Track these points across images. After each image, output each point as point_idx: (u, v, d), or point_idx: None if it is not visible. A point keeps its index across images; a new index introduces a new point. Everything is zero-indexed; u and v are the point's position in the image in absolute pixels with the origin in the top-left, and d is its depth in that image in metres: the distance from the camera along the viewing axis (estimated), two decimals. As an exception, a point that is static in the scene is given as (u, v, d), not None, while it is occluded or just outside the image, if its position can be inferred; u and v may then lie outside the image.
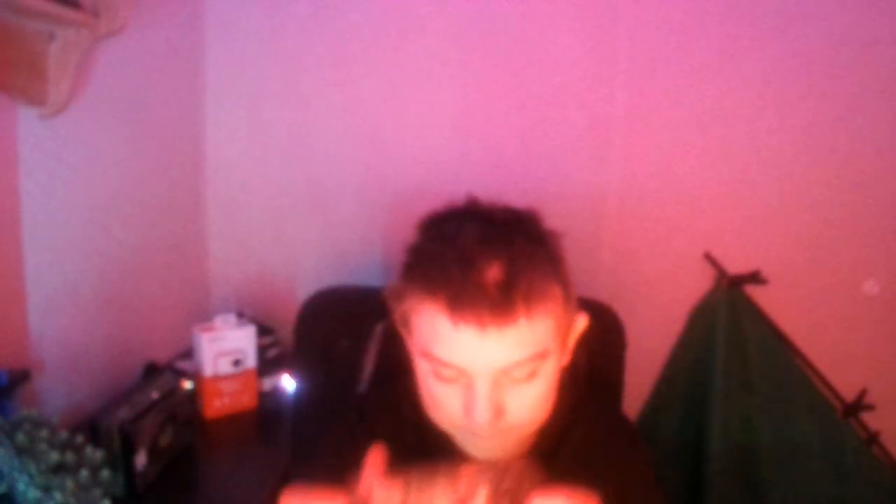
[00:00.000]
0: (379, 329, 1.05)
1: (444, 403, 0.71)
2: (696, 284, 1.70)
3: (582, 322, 0.77)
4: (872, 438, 1.65)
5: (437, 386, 0.70)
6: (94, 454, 0.99)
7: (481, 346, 0.65)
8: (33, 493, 0.86)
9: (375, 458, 0.55)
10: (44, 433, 0.94)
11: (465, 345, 0.65)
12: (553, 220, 1.74)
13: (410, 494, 0.51)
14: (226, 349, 1.42)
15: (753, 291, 1.64)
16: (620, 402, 1.11)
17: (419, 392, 0.75)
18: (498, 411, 0.67)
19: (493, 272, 0.65)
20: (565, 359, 0.76)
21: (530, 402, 0.70)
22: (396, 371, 0.84)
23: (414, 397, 0.76)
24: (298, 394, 1.16)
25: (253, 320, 1.49)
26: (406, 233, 1.88)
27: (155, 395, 1.18)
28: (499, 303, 0.64)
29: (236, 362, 1.43)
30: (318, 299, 1.16)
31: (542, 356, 0.68)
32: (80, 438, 0.99)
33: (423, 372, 0.72)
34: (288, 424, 1.43)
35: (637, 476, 0.79)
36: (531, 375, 0.68)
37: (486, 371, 0.66)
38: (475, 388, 0.66)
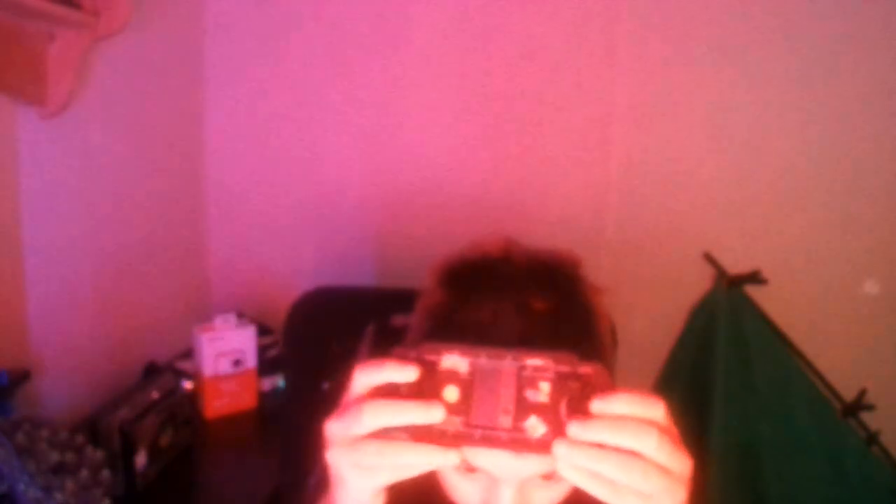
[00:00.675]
0: (370, 329, 1.05)
1: (462, 495, 0.63)
2: (695, 284, 1.70)
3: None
4: (872, 438, 1.65)
5: (457, 477, 0.62)
6: (95, 454, 0.99)
7: (511, 457, 0.55)
8: (34, 493, 0.86)
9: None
10: (44, 433, 0.94)
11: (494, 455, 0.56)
12: (551, 220, 1.75)
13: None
14: (226, 349, 1.42)
15: (753, 291, 1.64)
16: None
17: None
18: None
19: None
20: None
21: (557, 498, 0.63)
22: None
23: None
24: (288, 394, 1.16)
25: (253, 320, 1.49)
26: (406, 233, 1.88)
27: (155, 395, 1.18)
28: None
29: (236, 362, 1.43)
30: (307, 300, 1.15)
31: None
32: (80, 438, 1.00)
33: None
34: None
35: None
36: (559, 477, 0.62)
37: (514, 478, 0.58)
38: (498, 495, 0.58)
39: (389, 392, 0.49)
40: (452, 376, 0.48)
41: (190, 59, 1.70)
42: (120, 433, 1.07)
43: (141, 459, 1.10)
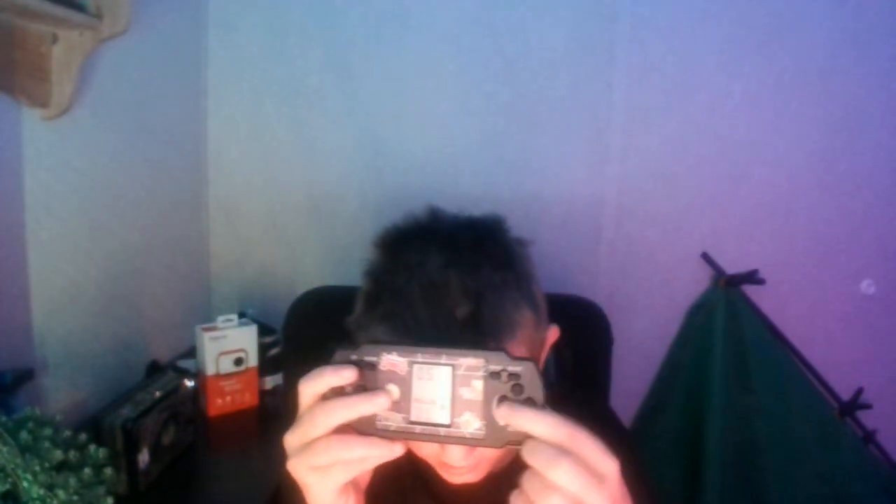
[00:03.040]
0: None
1: (420, 445, 0.67)
2: (693, 284, 1.71)
3: (553, 334, 0.75)
4: (869, 437, 1.66)
5: None
6: (97, 452, 0.99)
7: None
8: (36, 491, 0.87)
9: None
10: (47, 431, 0.95)
11: None
12: (551, 220, 1.75)
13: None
14: (228, 348, 1.42)
15: (751, 291, 1.65)
16: (607, 397, 1.13)
17: None
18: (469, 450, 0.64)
19: (461, 309, 0.62)
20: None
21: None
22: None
23: None
24: (287, 393, 1.16)
25: (254, 320, 1.50)
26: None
27: (157, 393, 1.18)
28: (469, 339, 0.61)
29: (238, 361, 1.44)
30: (307, 299, 1.16)
31: None
32: (83, 437, 1.00)
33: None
34: (289, 423, 1.45)
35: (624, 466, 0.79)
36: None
37: None
38: (449, 449, 0.62)
39: (336, 395, 0.53)
40: (392, 376, 0.52)
41: (192, 60, 1.71)
42: (123, 432, 1.08)
43: (143, 458, 1.11)
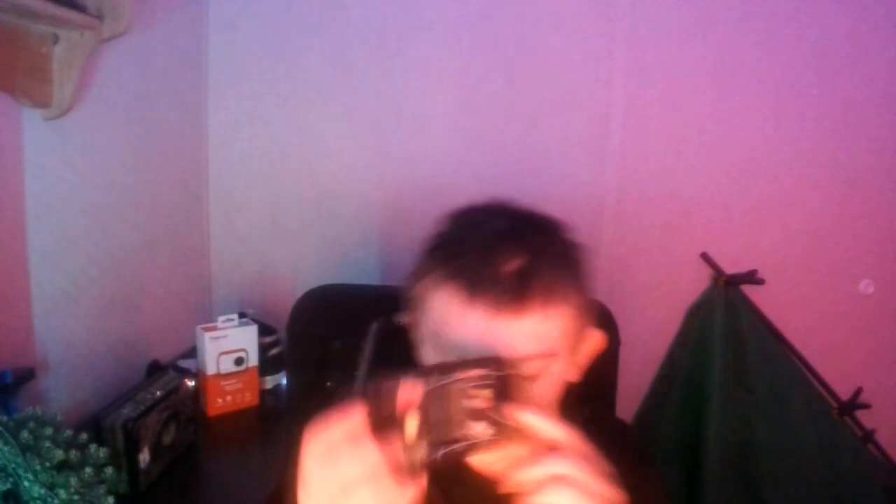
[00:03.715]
0: (374, 328, 1.05)
1: None
2: (693, 284, 1.71)
3: (596, 338, 0.76)
4: (868, 436, 1.66)
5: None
6: (98, 452, 0.99)
7: (491, 332, 0.64)
8: (37, 491, 0.87)
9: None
10: (48, 431, 0.95)
11: (475, 328, 0.64)
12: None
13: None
14: (228, 348, 1.43)
15: (750, 291, 1.65)
16: (614, 398, 1.12)
17: None
18: None
19: (515, 262, 0.65)
20: (574, 374, 0.74)
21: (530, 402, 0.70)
22: (391, 370, 0.84)
23: None
24: (292, 392, 1.16)
25: (255, 320, 1.50)
26: (406, 232, 1.89)
27: (158, 393, 1.19)
28: (515, 292, 0.63)
29: (238, 361, 1.44)
30: (310, 298, 1.16)
31: (549, 356, 0.67)
32: (83, 436, 1.00)
33: (429, 361, 0.71)
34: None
35: (636, 479, 0.80)
36: (535, 376, 0.67)
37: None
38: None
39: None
40: (410, 405, 0.54)
41: (193, 60, 1.71)
42: (123, 431, 1.08)
43: (144, 457, 1.11)
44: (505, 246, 0.66)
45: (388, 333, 1.02)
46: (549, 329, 0.66)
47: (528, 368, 0.66)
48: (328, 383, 1.07)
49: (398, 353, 0.79)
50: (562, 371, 0.71)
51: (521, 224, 0.70)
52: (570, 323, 0.68)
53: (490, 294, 0.63)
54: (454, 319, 0.66)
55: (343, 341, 1.08)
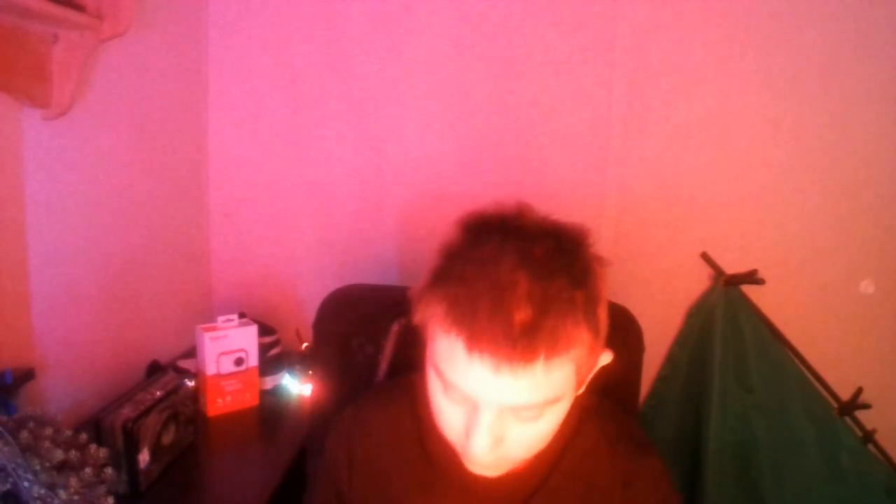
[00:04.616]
0: (395, 327, 1.06)
1: (447, 419, 0.70)
2: (693, 284, 1.71)
3: (606, 358, 0.74)
4: (868, 437, 1.66)
5: (444, 401, 0.70)
6: (98, 452, 0.99)
7: (493, 383, 0.63)
8: (37, 491, 0.87)
9: None
10: (48, 431, 0.95)
11: (477, 377, 0.63)
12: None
13: None
14: (228, 348, 1.43)
15: (750, 291, 1.65)
16: (637, 404, 1.11)
17: (427, 394, 0.74)
18: (496, 443, 0.66)
19: (522, 314, 0.61)
20: (580, 391, 0.74)
21: (531, 440, 0.69)
22: (410, 369, 0.85)
23: (422, 398, 0.77)
24: (316, 389, 1.16)
25: (255, 320, 1.50)
26: (406, 233, 1.89)
27: (158, 393, 1.19)
28: (520, 347, 0.61)
29: (238, 361, 1.44)
30: (337, 296, 1.16)
31: (553, 401, 0.67)
32: (83, 436, 1.00)
33: (433, 382, 0.71)
34: (289, 422, 1.45)
35: (647, 486, 0.80)
36: (538, 416, 0.67)
37: (493, 405, 0.65)
38: (478, 417, 0.65)
39: None
40: None
41: (193, 60, 1.71)
42: (123, 431, 1.08)
43: (144, 457, 1.11)
44: (514, 293, 0.62)
45: (408, 333, 1.03)
46: (554, 378, 0.65)
47: (530, 413, 0.66)
48: (358, 338, 1.08)
49: (417, 354, 0.78)
50: (566, 405, 0.70)
51: (533, 261, 0.65)
52: (580, 364, 0.67)
53: (493, 347, 0.61)
54: (456, 363, 0.65)
55: (367, 339, 1.09)
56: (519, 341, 0.61)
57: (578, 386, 0.71)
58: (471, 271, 0.65)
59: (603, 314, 0.69)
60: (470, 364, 0.63)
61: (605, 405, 0.81)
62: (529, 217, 0.70)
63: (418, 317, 0.70)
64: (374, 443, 0.84)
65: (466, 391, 0.65)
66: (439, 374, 0.68)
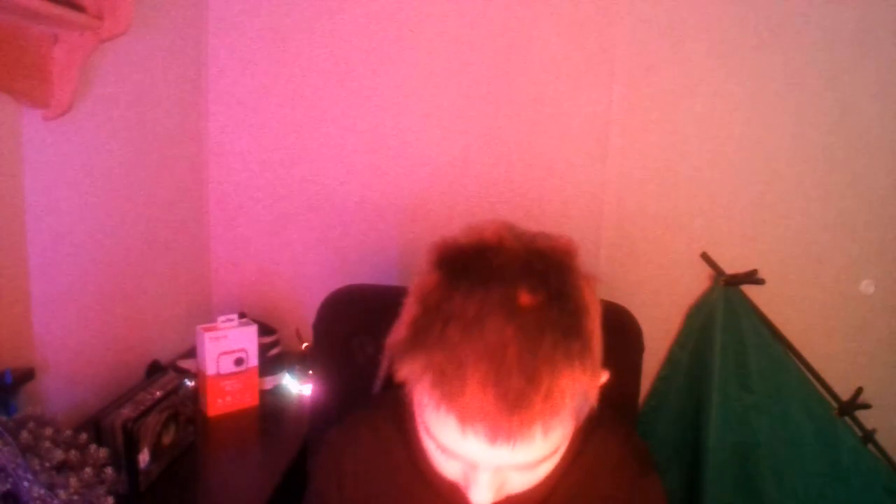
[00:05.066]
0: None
1: (443, 467, 0.69)
2: (693, 284, 1.71)
3: (602, 379, 0.68)
4: (868, 437, 1.66)
5: (439, 454, 0.67)
6: (98, 452, 1.00)
7: (490, 452, 0.60)
8: (37, 491, 0.87)
9: None
10: (48, 431, 0.95)
11: (472, 448, 0.61)
12: (551, 220, 1.75)
13: None
14: (228, 348, 1.43)
15: (750, 291, 1.65)
16: (637, 405, 1.11)
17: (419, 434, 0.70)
18: (497, 492, 0.65)
19: (515, 382, 0.57)
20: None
21: (533, 480, 0.68)
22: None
23: (409, 416, 0.73)
24: (316, 390, 1.16)
25: (255, 320, 1.50)
26: (406, 233, 1.88)
27: (158, 393, 1.19)
28: (516, 419, 0.57)
29: (238, 361, 1.44)
30: (337, 296, 1.15)
31: (553, 454, 0.65)
32: (83, 436, 1.00)
33: (426, 439, 0.68)
34: (289, 422, 1.45)
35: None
36: (540, 464, 0.65)
37: (492, 467, 0.63)
38: (477, 477, 0.63)
39: None
40: None
41: (193, 61, 1.71)
42: (123, 431, 1.08)
43: (144, 457, 1.11)
44: (498, 366, 0.57)
45: None
46: (551, 440, 0.62)
47: (528, 467, 0.65)
48: (358, 338, 1.07)
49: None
50: (566, 443, 0.68)
51: (520, 315, 0.59)
52: (578, 408, 0.63)
53: (486, 427, 0.58)
54: (451, 439, 0.62)
55: (367, 340, 1.08)
56: (514, 413, 0.57)
57: (579, 424, 0.67)
58: (454, 333, 0.59)
59: (597, 342, 0.65)
60: (464, 437, 0.60)
61: (607, 416, 0.77)
62: (509, 248, 0.64)
63: (400, 375, 0.64)
64: (363, 462, 0.82)
65: (462, 457, 0.63)
66: (431, 437, 0.65)
